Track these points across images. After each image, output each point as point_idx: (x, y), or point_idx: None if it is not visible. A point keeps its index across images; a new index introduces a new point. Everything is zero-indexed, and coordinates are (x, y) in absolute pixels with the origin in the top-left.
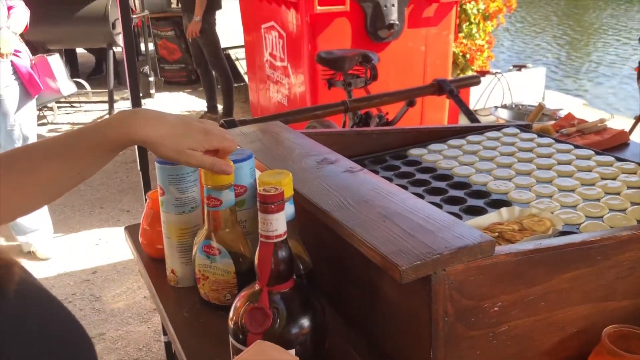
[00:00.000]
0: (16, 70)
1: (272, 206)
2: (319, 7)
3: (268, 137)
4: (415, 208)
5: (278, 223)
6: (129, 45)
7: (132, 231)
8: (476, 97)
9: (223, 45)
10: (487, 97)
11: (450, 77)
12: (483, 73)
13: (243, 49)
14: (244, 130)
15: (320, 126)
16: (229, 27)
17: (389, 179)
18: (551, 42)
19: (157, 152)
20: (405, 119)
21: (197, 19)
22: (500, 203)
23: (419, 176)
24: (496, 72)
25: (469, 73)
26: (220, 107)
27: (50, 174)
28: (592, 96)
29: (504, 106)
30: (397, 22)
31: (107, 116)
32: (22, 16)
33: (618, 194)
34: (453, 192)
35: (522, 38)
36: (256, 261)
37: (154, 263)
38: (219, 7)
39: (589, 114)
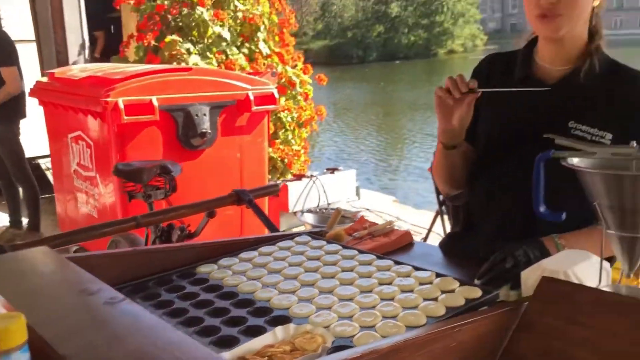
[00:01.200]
0: None
1: None
2: (126, 117)
3: (25, 266)
4: (170, 344)
5: None
6: None
7: None
8: (295, 199)
9: (31, 154)
10: (304, 199)
11: (268, 182)
12: (300, 176)
13: None
14: None
15: (125, 241)
16: (38, 135)
17: (171, 303)
18: (369, 145)
19: None
20: (225, 225)
21: None
22: (281, 319)
23: (203, 296)
24: (312, 175)
25: (289, 177)
26: (26, 221)
27: None
28: (404, 192)
29: (310, 210)
30: (210, 131)
31: None
32: None
33: (392, 299)
34: (235, 312)
35: (345, 142)
36: None
37: None
38: (23, 115)
39: (397, 210)
